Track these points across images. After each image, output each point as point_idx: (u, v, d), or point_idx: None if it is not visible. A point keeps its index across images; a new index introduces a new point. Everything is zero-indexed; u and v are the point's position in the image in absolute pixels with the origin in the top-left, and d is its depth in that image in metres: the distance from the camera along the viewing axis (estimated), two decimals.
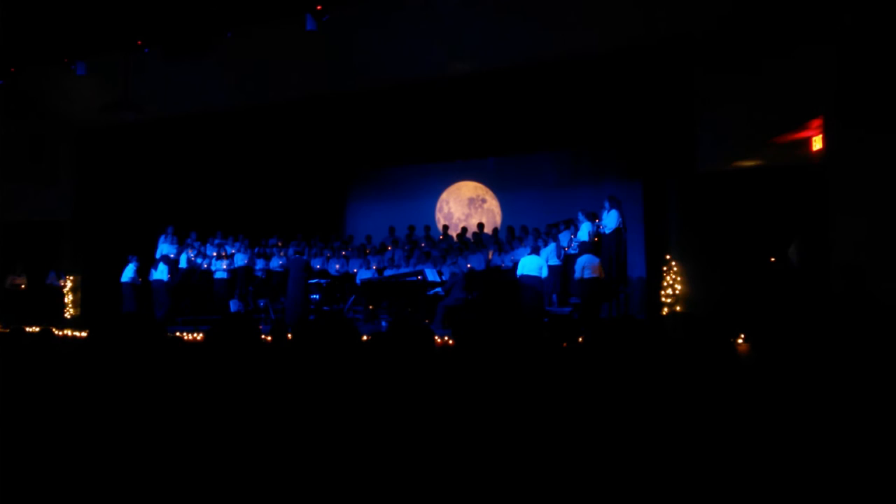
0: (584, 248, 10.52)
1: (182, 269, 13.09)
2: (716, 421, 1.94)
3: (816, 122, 7.90)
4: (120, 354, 2.51)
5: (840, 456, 1.82)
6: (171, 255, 13.12)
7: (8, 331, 4.05)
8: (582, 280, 9.85)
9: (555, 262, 10.98)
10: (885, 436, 1.85)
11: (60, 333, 9.94)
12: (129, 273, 12.77)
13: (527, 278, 10.25)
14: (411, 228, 14.13)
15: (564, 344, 3.84)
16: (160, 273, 12.66)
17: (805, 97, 7.79)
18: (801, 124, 8.11)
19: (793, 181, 8.97)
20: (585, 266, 9.85)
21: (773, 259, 9.39)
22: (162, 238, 13.36)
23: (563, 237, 11.41)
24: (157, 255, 13.09)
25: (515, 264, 11.50)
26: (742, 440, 1.88)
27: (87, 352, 2.60)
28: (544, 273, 10.35)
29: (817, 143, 8.28)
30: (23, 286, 13.86)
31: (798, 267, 8.85)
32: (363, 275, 12.57)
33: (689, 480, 1.79)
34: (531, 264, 10.27)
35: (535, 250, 10.54)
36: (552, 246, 11.12)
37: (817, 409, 1.99)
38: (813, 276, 8.05)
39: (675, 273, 10.00)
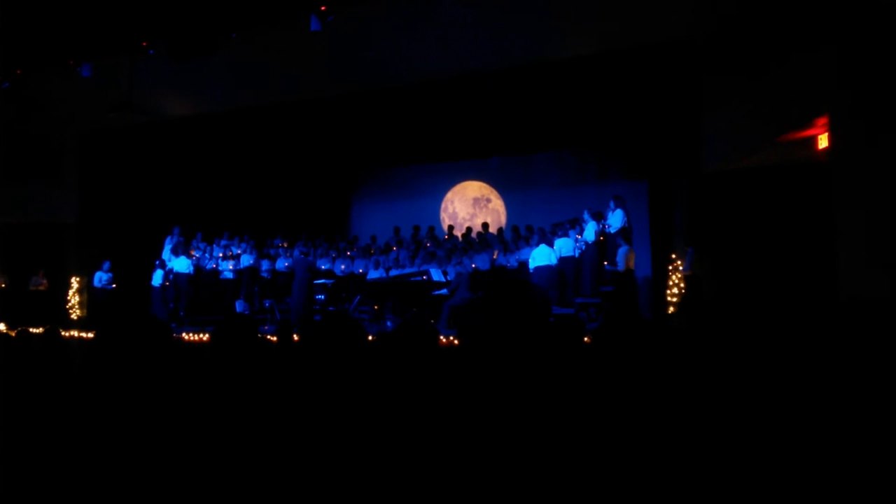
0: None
1: (179, 272, 13.06)
2: (722, 418, 1.94)
3: (822, 120, 7.85)
4: (126, 355, 2.51)
5: (847, 455, 1.82)
6: (167, 259, 13.16)
7: (14, 333, 4.07)
8: (537, 267, 10.47)
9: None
10: (886, 435, 1.84)
11: (67, 334, 9.97)
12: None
13: (541, 269, 10.45)
14: (416, 228, 14.14)
15: (575, 342, 3.82)
16: (155, 279, 12.76)
17: (810, 95, 7.75)
18: (807, 122, 8.07)
19: (799, 180, 8.93)
20: (533, 256, 10.67)
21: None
22: (168, 239, 13.39)
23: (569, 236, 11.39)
24: (163, 257, 13.14)
25: (521, 264, 11.50)
26: (748, 437, 1.88)
27: (92, 352, 2.61)
28: (553, 261, 10.56)
29: (823, 142, 8.24)
30: (3, 285, 13.82)
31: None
32: (373, 274, 12.60)
33: (695, 479, 1.79)
34: (543, 255, 10.54)
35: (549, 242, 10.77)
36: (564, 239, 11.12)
37: (820, 406, 1.98)
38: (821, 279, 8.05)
39: (680, 272, 9.99)
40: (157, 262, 12.88)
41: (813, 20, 7.54)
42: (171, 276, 12.86)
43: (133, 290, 13.05)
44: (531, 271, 10.66)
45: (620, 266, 9.95)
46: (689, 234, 10.02)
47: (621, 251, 10.00)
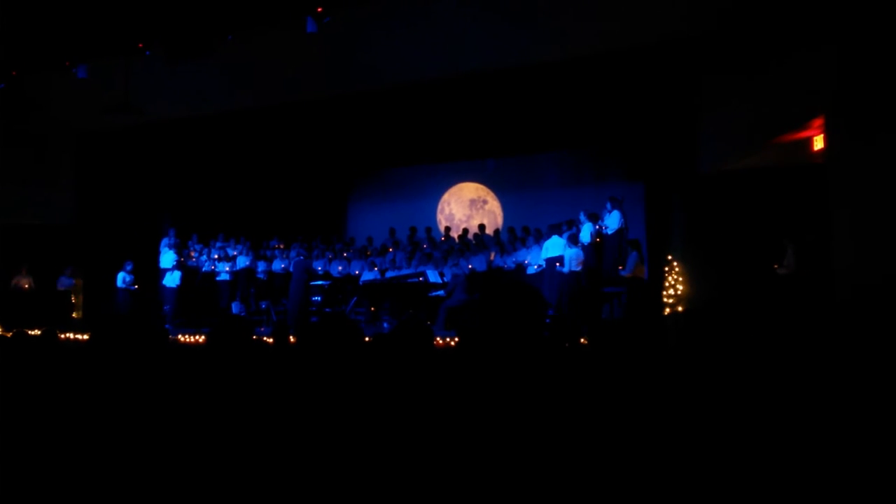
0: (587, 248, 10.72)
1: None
2: (716, 420, 1.94)
3: (818, 122, 7.87)
4: (121, 357, 2.51)
5: (841, 456, 1.82)
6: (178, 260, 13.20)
7: (10, 335, 4.06)
8: (549, 258, 10.61)
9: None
10: (884, 436, 1.85)
11: (63, 336, 9.95)
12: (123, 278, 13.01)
13: (554, 261, 10.53)
14: (413, 230, 14.13)
15: (566, 344, 3.83)
16: (172, 280, 12.81)
17: (806, 97, 7.76)
18: (803, 124, 8.08)
19: (795, 181, 8.96)
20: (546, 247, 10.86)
21: (557, 263, 10.54)
22: (164, 241, 13.38)
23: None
24: (160, 258, 13.15)
25: (517, 265, 11.50)
26: (743, 440, 1.88)
27: (88, 354, 2.61)
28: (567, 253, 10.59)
29: (819, 143, 8.26)
30: (27, 286, 13.83)
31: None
32: (367, 276, 12.59)
33: (691, 481, 1.79)
34: (557, 246, 10.59)
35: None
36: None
37: (816, 407, 1.99)
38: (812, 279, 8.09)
39: (676, 273, 10.00)
40: (174, 264, 12.89)
41: (812, 20, 7.55)
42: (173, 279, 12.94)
43: (147, 291, 13.10)
44: (544, 262, 10.68)
45: (566, 268, 10.25)
46: (686, 236, 10.03)
47: (572, 252, 10.27)
